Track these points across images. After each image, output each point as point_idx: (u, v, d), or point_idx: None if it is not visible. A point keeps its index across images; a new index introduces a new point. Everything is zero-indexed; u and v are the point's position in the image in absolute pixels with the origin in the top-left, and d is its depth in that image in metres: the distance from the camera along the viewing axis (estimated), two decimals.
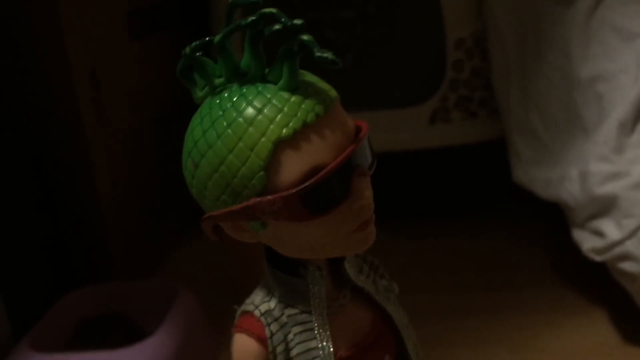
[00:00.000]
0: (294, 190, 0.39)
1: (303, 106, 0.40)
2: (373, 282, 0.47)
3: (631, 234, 0.83)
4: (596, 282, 0.99)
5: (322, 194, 0.40)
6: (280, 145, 0.39)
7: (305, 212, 0.40)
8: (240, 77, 0.42)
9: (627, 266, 0.84)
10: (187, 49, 0.42)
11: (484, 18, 1.15)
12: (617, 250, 0.84)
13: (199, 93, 0.43)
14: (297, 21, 0.39)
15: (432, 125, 1.22)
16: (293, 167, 0.39)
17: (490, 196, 1.28)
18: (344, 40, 1.22)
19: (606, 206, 0.85)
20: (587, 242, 0.89)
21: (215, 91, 0.42)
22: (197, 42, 0.42)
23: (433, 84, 1.21)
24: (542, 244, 1.15)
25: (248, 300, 0.45)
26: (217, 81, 0.42)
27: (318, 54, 0.39)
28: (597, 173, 0.86)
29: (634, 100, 0.85)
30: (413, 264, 1.13)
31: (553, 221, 0.98)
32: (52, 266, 1.05)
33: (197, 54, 0.42)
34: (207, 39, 0.42)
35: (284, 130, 0.39)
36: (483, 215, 1.25)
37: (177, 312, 0.90)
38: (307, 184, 0.39)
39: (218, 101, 0.41)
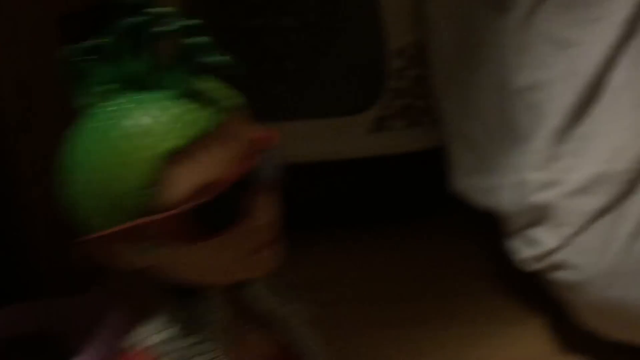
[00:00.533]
0: (185, 208, 0.36)
1: (197, 115, 0.37)
2: (279, 306, 0.45)
3: (566, 243, 0.83)
4: (534, 291, 0.99)
5: (216, 212, 0.37)
6: (170, 158, 0.36)
7: (198, 233, 0.37)
8: (130, 84, 0.38)
9: (562, 275, 0.84)
10: (72, 53, 0.39)
11: (425, 26, 1.14)
12: (552, 259, 0.84)
13: (83, 100, 0.40)
14: (192, 22, 0.36)
15: (375, 133, 1.21)
16: (184, 182, 0.36)
17: (430, 205, 1.28)
18: (285, 49, 1.20)
19: (541, 214, 0.85)
20: (521, 251, 0.89)
21: (100, 99, 0.39)
22: (82, 45, 0.39)
23: (375, 92, 1.20)
24: (482, 253, 1.15)
25: (139, 331, 0.42)
26: (103, 88, 0.39)
27: (212, 58, 0.36)
28: (532, 181, 0.86)
29: (568, 109, 0.85)
30: (350, 274, 1.11)
31: (492, 230, 0.98)
32: None
33: (82, 58, 0.39)
34: (93, 41, 0.39)
35: (174, 142, 0.36)
36: (422, 224, 1.24)
37: (105, 331, 0.86)
38: (199, 201, 0.36)
39: (102, 110, 0.38)
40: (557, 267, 0.84)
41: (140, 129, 0.36)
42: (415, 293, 1.07)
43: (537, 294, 0.97)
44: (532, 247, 0.87)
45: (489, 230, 1.01)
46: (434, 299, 1.05)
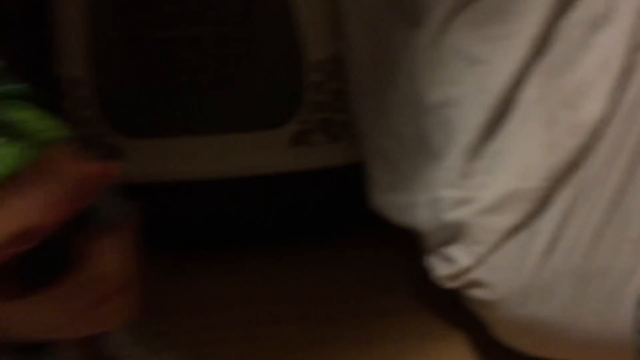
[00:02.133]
0: None
1: (5, 152, 0.32)
2: (149, 357, 0.41)
3: (480, 261, 0.83)
4: (457, 307, 0.99)
5: (38, 264, 0.33)
6: None
7: (19, 288, 0.33)
8: None
9: (477, 293, 0.84)
10: None
11: (342, 40, 1.13)
12: (467, 277, 0.84)
13: None
14: None
15: (293, 148, 1.18)
16: None
17: (352, 221, 1.26)
18: (199, 60, 1.17)
19: (456, 232, 0.85)
20: (439, 268, 0.88)
21: None
22: None
23: (292, 106, 1.18)
24: (403, 269, 1.14)
25: None
26: None
27: (4, 86, 0.32)
28: (445, 199, 0.85)
29: (479, 125, 0.85)
30: (268, 293, 1.09)
31: (410, 246, 0.97)
32: None
33: None
34: None
35: None
36: (343, 241, 1.23)
37: None
38: (12, 252, 0.32)
39: None
40: (473, 285, 0.84)
41: None
42: (335, 311, 1.05)
43: (460, 310, 0.96)
44: (448, 265, 0.87)
45: (410, 247, 1.01)
46: (354, 317, 1.04)
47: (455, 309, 0.99)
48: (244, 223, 1.22)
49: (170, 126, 1.25)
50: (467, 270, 0.84)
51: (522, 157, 0.84)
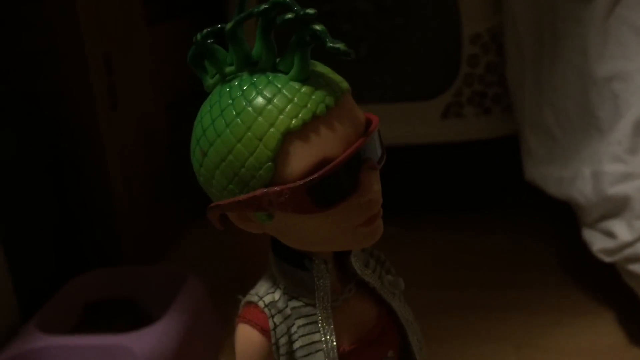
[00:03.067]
0: (301, 182, 0.39)
1: (313, 97, 0.39)
2: (379, 277, 0.47)
3: None
4: (605, 283, 0.98)
5: (329, 187, 0.39)
6: (289, 136, 0.39)
7: (312, 205, 0.39)
8: (251, 66, 0.41)
9: (637, 268, 0.84)
10: (198, 36, 0.41)
11: (502, 13, 1.14)
12: (628, 252, 0.84)
13: (209, 81, 0.43)
14: (310, 10, 0.38)
15: (445, 120, 1.21)
16: (301, 158, 0.39)
17: (501, 193, 1.28)
18: (359, 32, 1.22)
19: (618, 207, 0.85)
20: (597, 242, 0.88)
21: (225, 79, 0.42)
22: (209, 29, 0.41)
23: (447, 78, 1.20)
24: (551, 242, 1.14)
25: (252, 291, 0.45)
26: (228, 69, 0.42)
27: (330, 44, 0.38)
28: (610, 173, 0.85)
29: None
30: (420, 259, 1.13)
31: (562, 220, 0.97)
32: (61, 249, 1.06)
33: (209, 41, 0.41)
34: (219, 26, 0.41)
35: (293, 121, 0.38)
36: (492, 212, 1.24)
37: (184, 298, 0.90)
38: (314, 176, 0.39)
39: (228, 89, 0.41)
40: (632, 260, 0.84)
41: (272, 107, 0.39)
42: (485, 280, 1.08)
43: (609, 286, 0.96)
44: (608, 239, 0.86)
45: (561, 220, 1.01)
46: (504, 286, 1.05)
47: (605, 284, 0.99)
48: (395, 192, 1.26)
49: None
50: (628, 245, 0.83)
51: None
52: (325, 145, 0.39)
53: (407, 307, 0.48)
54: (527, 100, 1.03)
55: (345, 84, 0.41)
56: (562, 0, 0.97)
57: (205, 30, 0.41)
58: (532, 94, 1.02)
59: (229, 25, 0.40)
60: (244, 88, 0.40)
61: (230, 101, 0.40)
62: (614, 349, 0.91)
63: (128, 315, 0.98)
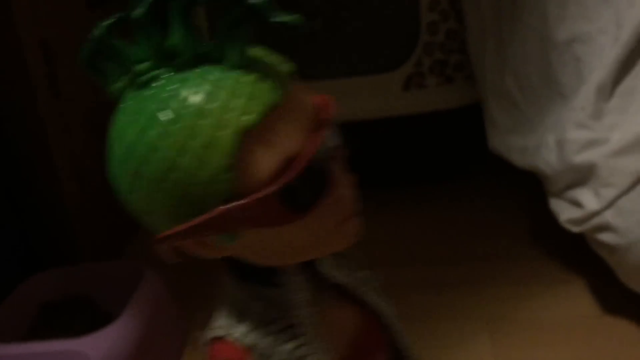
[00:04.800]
0: (271, 189, 0.32)
1: (263, 86, 0.32)
2: (352, 276, 0.41)
3: (610, 204, 0.80)
4: (575, 253, 0.96)
5: (303, 188, 0.33)
6: (245, 136, 0.32)
7: (287, 213, 0.33)
8: (170, 60, 0.33)
9: (605, 237, 0.81)
10: (96, 31, 0.34)
11: None
12: (596, 221, 0.81)
13: (115, 85, 0.35)
14: None
15: (407, 91, 1.17)
16: (263, 161, 0.32)
17: (469, 163, 1.25)
18: (313, 5, 1.17)
19: (584, 175, 0.82)
20: (564, 212, 0.86)
21: (139, 80, 0.34)
22: (109, 22, 0.34)
23: (407, 48, 1.16)
24: (520, 213, 1.12)
25: (215, 324, 0.38)
26: (140, 67, 0.34)
27: (273, 18, 0.31)
28: (574, 141, 0.82)
29: (613, 62, 0.81)
30: (387, 236, 1.10)
31: (532, 190, 0.95)
32: (13, 249, 1.01)
33: (110, 35, 0.34)
34: (121, 15, 0.34)
35: (245, 117, 0.32)
36: (461, 184, 1.21)
37: (143, 295, 0.86)
38: (285, 178, 0.32)
39: (150, 92, 0.33)
40: (600, 229, 0.82)
41: (215, 105, 0.32)
42: (455, 255, 1.05)
43: (580, 255, 0.94)
44: (575, 208, 0.84)
45: (531, 189, 0.98)
46: (475, 260, 1.03)
47: (575, 254, 0.97)
48: (359, 167, 1.23)
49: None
50: (595, 214, 0.81)
51: None
52: (286, 140, 0.33)
53: (388, 300, 0.43)
54: (488, 68, 0.99)
55: (290, 66, 0.34)
56: None
57: (104, 23, 0.34)
58: (493, 61, 0.98)
59: (136, 13, 0.33)
60: (172, 87, 0.33)
61: (157, 106, 0.33)
62: (587, 319, 0.89)
63: (86, 315, 0.94)
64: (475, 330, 0.89)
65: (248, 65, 0.33)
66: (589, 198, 0.82)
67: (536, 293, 0.94)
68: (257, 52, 0.34)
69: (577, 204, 0.83)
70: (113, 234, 1.15)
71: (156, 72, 0.34)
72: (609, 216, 0.80)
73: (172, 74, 0.33)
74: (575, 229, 0.84)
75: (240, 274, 0.37)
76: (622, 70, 0.81)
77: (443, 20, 1.14)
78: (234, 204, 0.32)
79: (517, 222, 1.10)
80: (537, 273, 0.99)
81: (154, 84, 0.34)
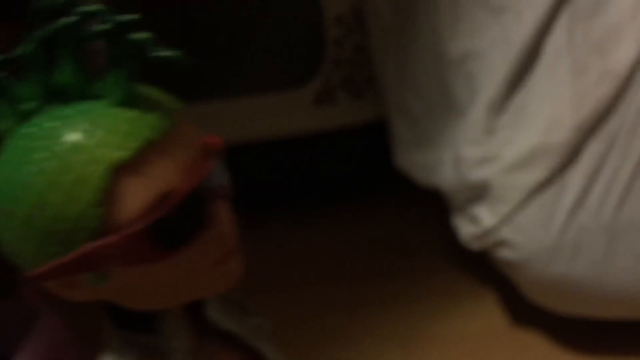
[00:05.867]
0: (140, 226, 0.32)
1: (141, 122, 0.33)
2: (240, 323, 0.40)
3: (505, 220, 0.80)
4: (485, 266, 0.97)
5: (175, 225, 0.33)
6: (117, 171, 0.32)
7: (158, 250, 0.33)
8: (58, 97, 0.34)
9: (503, 253, 0.82)
10: None
11: None
12: (493, 237, 0.82)
13: (2, 124, 0.34)
14: (127, 17, 0.31)
15: (317, 108, 1.16)
16: (135, 197, 0.32)
17: (379, 179, 1.24)
18: (216, 22, 1.14)
19: (480, 191, 0.82)
20: (464, 228, 0.86)
21: (24, 118, 0.34)
22: None
23: (314, 64, 1.15)
24: (429, 228, 1.12)
25: None
26: (26, 106, 0.34)
27: (155, 54, 0.32)
28: (468, 157, 0.83)
29: (503, 78, 0.81)
30: (298, 255, 1.08)
31: (442, 204, 0.95)
32: None
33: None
34: (9, 55, 0.33)
35: (118, 153, 0.32)
36: (370, 200, 1.20)
37: (37, 337, 0.82)
38: (156, 214, 0.32)
39: (28, 130, 0.33)
40: (498, 245, 0.82)
41: (89, 140, 0.32)
42: (365, 272, 1.05)
43: (489, 268, 0.95)
44: (473, 225, 0.84)
45: (434, 205, 0.98)
46: (384, 276, 1.03)
47: (485, 267, 0.97)
48: (268, 186, 1.21)
49: (187, 91, 1.24)
50: (492, 230, 0.81)
51: (549, 110, 0.80)
52: (163, 176, 0.33)
53: (275, 349, 0.42)
54: (391, 84, 0.99)
55: (178, 104, 0.35)
56: None
57: None
58: (395, 77, 0.98)
59: (22, 50, 0.33)
60: (48, 124, 0.33)
61: (31, 143, 0.32)
62: (497, 331, 0.90)
63: None
64: (388, 349, 0.89)
65: (130, 102, 0.33)
66: (485, 214, 0.82)
67: (447, 307, 0.95)
68: (142, 89, 0.34)
69: (475, 220, 0.84)
70: (4, 272, 1.10)
71: (42, 110, 0.33)
72: (505, 232, 0.81)
73: (56, 109, 0.33)
74: (474, 245, 0.85)
75: (118, 320, 0.36)
76: (512, 85, 0.82)
77: (348, 35, 1.13)
78: (99, 241, 0.32)
79: (427, 237, 1.10)
80: (448, 288, 0.99)
81: (35, 121, 0.33)
